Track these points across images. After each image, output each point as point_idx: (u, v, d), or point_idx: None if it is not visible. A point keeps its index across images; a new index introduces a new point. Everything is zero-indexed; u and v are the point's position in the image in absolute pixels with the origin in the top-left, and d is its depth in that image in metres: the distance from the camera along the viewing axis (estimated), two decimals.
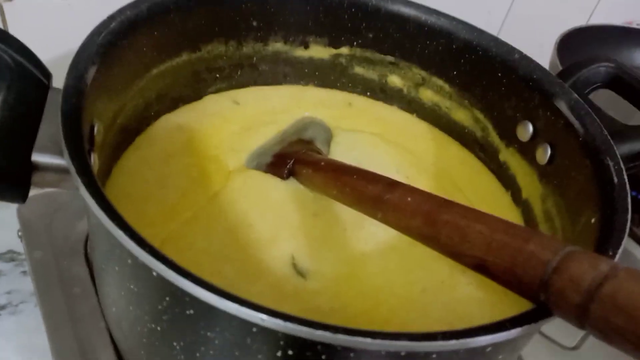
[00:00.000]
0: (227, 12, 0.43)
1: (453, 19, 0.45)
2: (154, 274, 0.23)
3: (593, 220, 0.32)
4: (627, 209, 0.30)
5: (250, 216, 0.37)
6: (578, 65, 0.44)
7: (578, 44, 0.64)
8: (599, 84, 0.44)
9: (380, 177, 0.36)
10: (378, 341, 0.21)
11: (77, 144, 0.26)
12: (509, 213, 0.43)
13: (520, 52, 0.42)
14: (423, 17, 0.45)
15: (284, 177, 0.41)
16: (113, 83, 0.36)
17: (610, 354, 0.50)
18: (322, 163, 0.40)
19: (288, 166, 0.41)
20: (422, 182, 0.44)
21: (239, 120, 0.46)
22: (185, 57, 0.43)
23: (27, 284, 0.49)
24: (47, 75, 0.32)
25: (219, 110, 0.46)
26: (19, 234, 0.49)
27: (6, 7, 0.47)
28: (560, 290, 0.24)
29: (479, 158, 0.47)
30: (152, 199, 0.38)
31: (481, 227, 0.28)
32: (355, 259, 0.37)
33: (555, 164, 0.39)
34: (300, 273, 0.35)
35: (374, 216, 0.34)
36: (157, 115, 0.44)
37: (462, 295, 0.37)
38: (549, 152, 0.40)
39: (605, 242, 0.29)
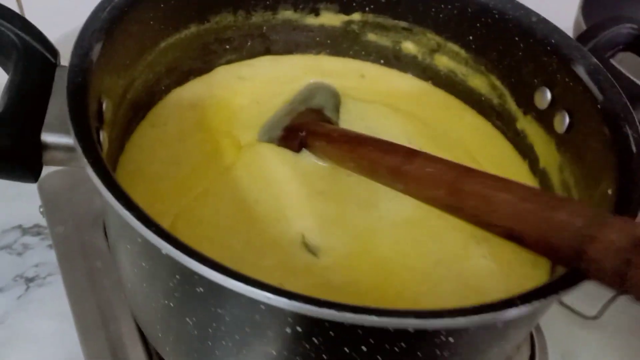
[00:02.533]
0: None
1: None
2: (163, 252, 0.23)
3: (610, 192, 0.31)
4: None
5: (257, 193, 0.37)
6: (599, 26, 0.42)
7: (605, 1, 0.61)
8: (621, 46, 0.42)
9: (398, 147, 0.35)
10: (385, 319, 0.21)
11: (83, 124, 0.26)
12: (527, 182, 0.43)
13: (538, 15, 0.40)
14: None
15: (296, 150, 0.40)
16: (121, 58, 0.36)
17: (631, 324, 0.50)
18: (335, 134, 0.39)
19: (299, 139, 0.40)
20: (435, 152, 0.43)
21: (248, 93, 0.45)
22: (193, 29, 0.43)
23: (54, 257, 0.50)
24: (54, 53, 0.32)
25: (228, 83, 0.46)
26: (41, 209, 0.50)
27: None
28: (597, 259, 0.24)
29: (496, 126, 0.46)
30: (165, 176, 0.38)
31: (507, 196, 0.27)
32: (367, 235, 0.37)
33: (574, 132, 0.38)
34: (311, 250, 0.35)
35: (395, 187, 0.34)
36: (168, 89, 0.44)
37: (476, 267, 0.37)
38: (567, 119, 0.38)
39: (622, 214, 0.28)
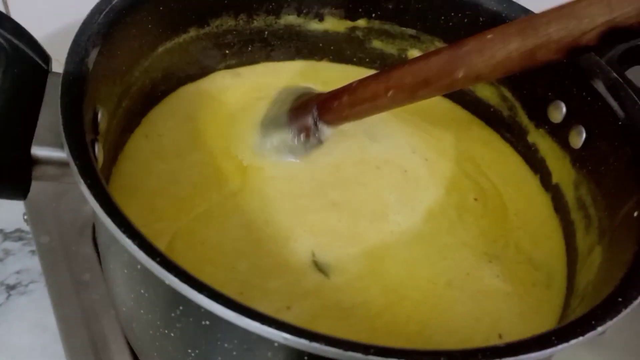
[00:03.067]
0: None
1: None
2: (166, 282, 0.21)
3: (636, 214, 0.30)
4: None
5: (266, 212, 0.35)
6: None
7: None
8: (637, 60, 0.41)
9: (440, 49, 0.32)
10: None
11: (79, 140, 0.24)
12: (537, 198, 0.41)
13: None
14: None
15: (310, 127, 0.37)
16: (117, 64, 0.33)
17: (635, 338, 0.49)
18: (354, 84, 0.36)
19: (311, 114, 0.37)
20: (442, 165, 0.42)
21: (240, 102, 0.43)
22: (193, 33, 0.40)
23: (36, 264, 0.48)
24: (46, 58, 0.30)
25: (222, 90, 0.43)
26: (25, 217, 0.47)
27: None
28: None
29: (505, 139, 0.44)
30: (163, 193, 0.36)
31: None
32: (379, 253, 0.35)
33: (591, 148, 0.37)
34: (321, 269, 0.33)
35: (455, 82, 0.31)
36: (163, 96, 0.42)
37: (489, 288, 0.35)
38: (584, 135, 0.37)
39: None
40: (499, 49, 0.29)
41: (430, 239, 0.37)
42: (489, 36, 0.30)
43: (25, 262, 0.49)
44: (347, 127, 0.41)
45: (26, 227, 0.51)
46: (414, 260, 0.35)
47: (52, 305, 0.43)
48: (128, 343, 0.40)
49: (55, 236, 0.46)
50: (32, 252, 0.50)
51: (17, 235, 0.51)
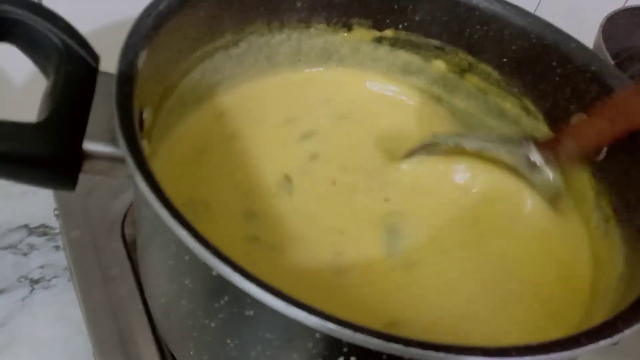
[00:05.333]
0: None
1: (506, 3, 0.43)
2: (214, 273, 0.22)
3: None
4: None
5: None
6: (634, 56, 0.42)
7: (626, 25, 0.61)
8: None
9: None
10: (451, 356, 0.20)
11: (133, 136, 0.25)
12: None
13: (577, 41, 0.40)
14: (474, 0, 0.43)
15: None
16: (161, 66, 0.35)
17: None
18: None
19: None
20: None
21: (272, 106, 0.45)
22: (228, 37, 0.42)
23: (60, 259, 0.49)
24: (95, 57, 0.31)
25: (252, 95, 0.45)
26: (55, 212, 0.49)
27: None
28: None
29: None
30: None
31: None
32: None
33: (613, 160, 0.38)
34: None
35: None
36: (199, 99, 0.43)
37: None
38: (606, 147, 0.38)
39: None
40: None
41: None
42: None
43: (49, 257, 0.50)
44: None
45: (51, 223, 0.52)
46: None
47: (80, 298, 0.44)
48: (155, 336, 0.41)
49: (85, 231, 0.47)
50: (56, 247, 0.51)
51: (41, 231, 0.52)
